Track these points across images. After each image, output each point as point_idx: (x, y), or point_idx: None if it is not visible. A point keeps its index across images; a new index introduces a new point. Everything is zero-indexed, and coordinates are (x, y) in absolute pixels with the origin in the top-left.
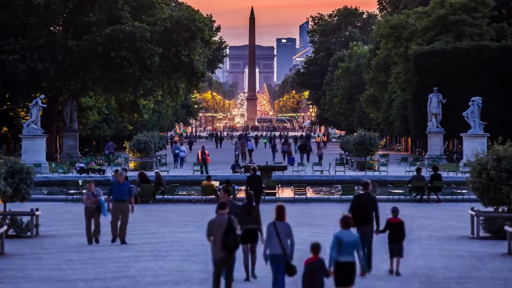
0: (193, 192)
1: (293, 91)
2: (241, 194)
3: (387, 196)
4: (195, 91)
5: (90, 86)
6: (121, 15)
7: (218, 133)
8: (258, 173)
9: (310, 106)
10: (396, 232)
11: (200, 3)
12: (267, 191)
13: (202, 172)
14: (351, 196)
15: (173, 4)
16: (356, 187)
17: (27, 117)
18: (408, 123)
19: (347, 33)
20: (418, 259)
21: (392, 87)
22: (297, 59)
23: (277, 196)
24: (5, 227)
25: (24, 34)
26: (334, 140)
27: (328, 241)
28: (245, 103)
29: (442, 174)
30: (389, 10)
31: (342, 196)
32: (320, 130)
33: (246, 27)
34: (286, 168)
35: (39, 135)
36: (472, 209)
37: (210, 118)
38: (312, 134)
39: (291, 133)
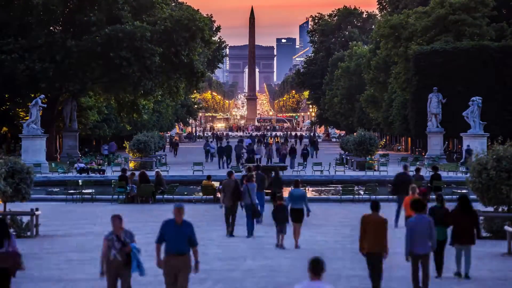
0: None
1: (293, 91)
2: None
3: (387, 196)
4: (195, 91)
5: (89, 87)
6: (121, 15)
7: (218, 133)
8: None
9: (310, 106)
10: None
11: (200, 3)
12: (267, 191)
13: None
14: (351, 196)
15: (173, 4)
16: (356, 187)
17: (27, 117)
18: (408, 123)
19: (347, 33)
20: None
21: (392, 87)
22: (297, 59)
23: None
24: None
25: (23, 34)
26: (334, 140)
27: (328, 241)
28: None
29: (442, 174)
30: (389, 10)
31: (342, 196)
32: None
33: (246, 27)
34: (286, 168)
35: (39, 135)
36: None
37: (210, 118)
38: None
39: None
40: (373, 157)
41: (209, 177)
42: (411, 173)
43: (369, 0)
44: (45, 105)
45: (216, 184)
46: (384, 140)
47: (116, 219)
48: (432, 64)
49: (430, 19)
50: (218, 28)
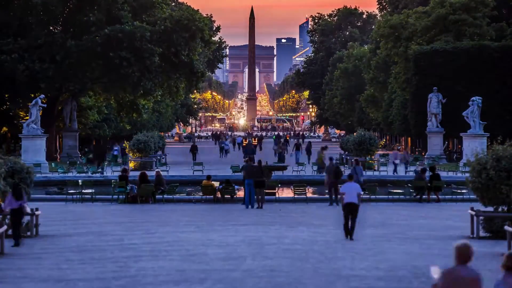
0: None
1: (293, 91)
2: (241, 194)
3: (387, 196)
4: (195, 91)
5: (89, 86)
6: (121, 15)
7: (217, 133)
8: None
9: (310, 106)
10: None
11: (200, 3)
12: (267, 191)
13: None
14: None
15: (173, 4)
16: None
17: (27, 117)
18: (408, 123)
19: (347, 33)
20: (418, 259)
21: (392, 87)
22: (297, 59)
23: (277, 196)
24: (5, 227)
25: (23, 34)
26: (334, 140)
27: (328, 241)
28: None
29: (442, 174)
30: (389, 10)
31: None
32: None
33: (246, 27)
34: (286, 168)
35: (39, 135)
36: (472, 209)
37: (210, 118)
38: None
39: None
40: (373, 157)
41: (209, 177)
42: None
43: (369, 0)
44: (45, 105)
45: (216, 184)
46: (384, 140)
47: None
48: (432, 64)
49: (430, 19)
50: (218, 28)
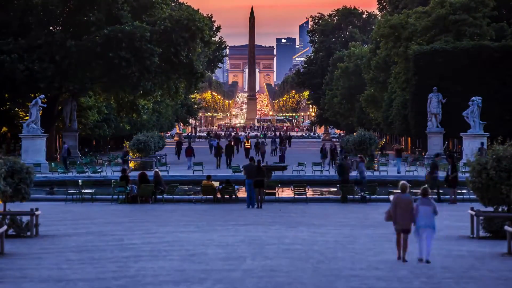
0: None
1: (293, 91)
2: (240, 194)
3: (387, 196)
4: (195, 91)
5: (89, 86)
6: (121, 15)
7: (217, 132)
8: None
9: (310, 106)
10: None
11: (200, 3)
12: (267, 191)
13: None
14: (351, 196)
15: (173, 4)
16: (356, 187)
17: (27, 117)
18: (408, 123)
19: (347, 33)
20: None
21: (392, 87)
22: (297, 59)
23: (277, 196)
24: (5, 227)
25: (23, 34)
26: (334, 140)
27: (328, 241)
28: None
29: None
30: (389, 10)
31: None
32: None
33: (246, 27)
34: (286, 168)
35: (39, 135)
36: (472, 209)
37: (210, 118)
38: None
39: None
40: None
41: (209, 177)
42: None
43: (369, 0)
44: (45, 105)
45: (216, 184)
46: (384, 140)
47: None
48: (432, 64)
49: (430, 19)
50: (218, 28)
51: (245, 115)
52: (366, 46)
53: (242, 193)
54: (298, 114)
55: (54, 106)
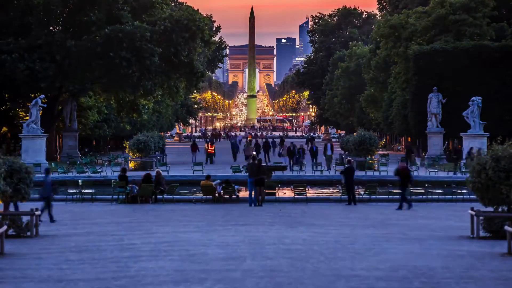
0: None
1: (293, 91)
2: (240, 194)
3: (387, 196)
4: (195, 91)
5: (89, 86)
6: (121, 15)
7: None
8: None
9: (310, 106)
10: None
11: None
12: (267, 191)
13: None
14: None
15: (173, 4)
16: (356, 187)
17: (27, 117)
18: (408, 123)
19: (347, 33)
20: (418, 259)
21: (392, 87)
22: (297, 59)
23: (277, 196)
24: (5, 227)
25: (24, 34)
26: (334, 140)
27: (328, 241)
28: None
29: (442, 174)
30: (389, 10)
31: (342, 196)
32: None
33: (246, 27)
34: (286, 168)
35: (39, 135)
36: (472, 209)
37: (210, 118)
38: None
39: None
40: (373, 157)
41: (208, 177)
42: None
43: (369, 0)
44: (45, 105)
45: (214, 182)
46: (384, 140)
47: None
48: (432, 64)
49: (430, 19)
50: (218, 28)
51: (245, 115)
52: (366, 46)
53: (242, 193)
54: (298, 114)
55: (54, 106)
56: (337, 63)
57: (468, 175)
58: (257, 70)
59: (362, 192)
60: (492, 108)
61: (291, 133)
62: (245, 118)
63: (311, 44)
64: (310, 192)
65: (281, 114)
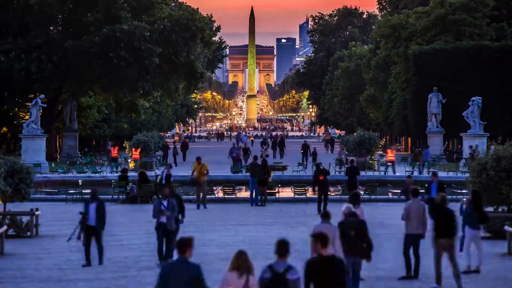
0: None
1: (293, 91)
2: (240, 194)
3: (387, 196)
4: (195, 91)
5: (86, 87)
6: (120, 14)
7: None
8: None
9: (310, 106)
10: None
11: (200, 3)
12: (267, 191)
13: None
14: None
15: (173, 4)
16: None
17: (27, 117)
18: (408, 123)
19: (347, 33)
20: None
21: (392, 87)
22: (297, 59)
23: (277, 196)
24: (5, 227)
25: (22, 34)
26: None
27: None
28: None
29: (442, 174)
30: (389, 10)
31: (342, 196)
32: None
33: (246, 27)
34: (286, 168)
35: (39, 135)
36: None
37: (210, 118)
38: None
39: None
40: (373, 157)
41: (198, 159)
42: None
43: (369, 0)
44: (45, 105)
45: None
46: (384, 140)
47: None
48: (432, 64)
49: (430, 19)
50: (218, 28)
51: (245, 115)
52: (366, 46)
53: (242, 193)
54: (298, 114)
55: (54, 106)
56: (337, 63)
57: (468, 175)
58: (257, 70)
59: (362, 192)
60: (492, 108)
61: (291, 133)
62: (245, 118)
63: (311, 44)
64: (311, 193)
65: (281, 114)
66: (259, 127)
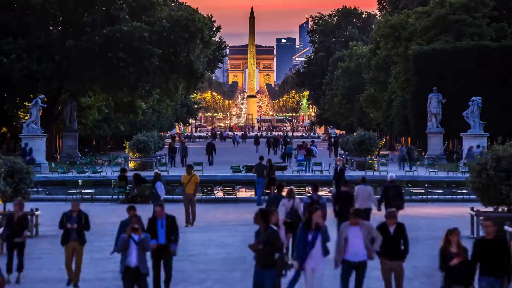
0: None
1: (293, 91)
2: (240, 194)
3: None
4: (195, 91)
5: (87, 87)
6: (119, 15)
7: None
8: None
9: (310, 106)
10: None
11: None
12: (266, 191)
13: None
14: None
15: (172, 4)
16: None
17: (27, 117)
18: (408, 123)
19: (347, 33)
20: (418, 259)
21: (392, 87)
22: (297, 59)
23: None
24: None
25: (23, 34)
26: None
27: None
28: (245, 103)
29: (442, 174)
30: (388, 10)
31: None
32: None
33: (246, 27)
34: (286, 168)
35: (39, 135)
36: (472, 209)
37: (210, 118)
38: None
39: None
40: (373, 157)
41: (189, 167)
42: (411, 173)
43: (369, 0)
44: (45, 105)
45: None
46: (384, 140)
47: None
48: (432, 64)
49: (430, 19)
50: (218, 28)
51: (245, 115)
52: (366, 46)
53: (242, 193)
54: (298, 114)
55: (54, 106)
56: (337, 63)
57: (468, 175)
58: (257, 70)
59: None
60: (492, 108)
61: (290, 133)
62: (245, 118)
63: (311, 44)
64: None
65: (281, 114)
66: (260, 127)
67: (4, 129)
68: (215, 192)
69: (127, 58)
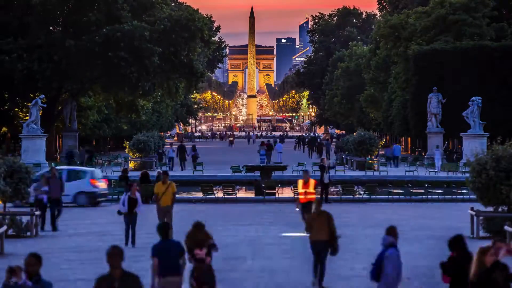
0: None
1: (293, 91)
2: (240, 194)
3: (387, 196)
4: (195, 91)
5: (88, 86)
6: (120, 14)
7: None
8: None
9: (310, 106)
10: None
11: (200, 3)
12: (267, 191)
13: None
14: (351, 196)
15: (173, 4)
16: (356, 187)
17: (27, 117)
18: (408, 123)
19: (347, 33)
20: (418, 259)
21: (392, 87)
22: (297, 59)
23: (277, 196)
24: (5, 227)
25: (23, 34)
26: (334, 140)
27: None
28: (245, 103)
29: (442, 174)
30: (388, 10)
31: (342, 196)
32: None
33: (246, 27)
34: (286, 168)
35: (39, 135)
36: (472, 209)
37: (210, 118)
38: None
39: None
40: (373, 157)
41: (165, 173)
42: (411, 173)
43: (369, 0)
44: (45, 105)
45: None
46: (384, 140)
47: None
48: (432, 64)
49: (430, 19)
50: (218, 28)
51: (245, 115)
52: (366, 46)
53: (242, 193)
54: (298, 114)
55: (54, 106)
56: (337, 63)
57: (468, 175)
58: (257, 70)
59: (362, 192)
60: (492, 108)
61: (291, 133)
62: (245, 118)
63: (311, 44)
64: None
65: (281, 114)
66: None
67: (4, 129)
68: (215, 192)
69: (128, 58)
